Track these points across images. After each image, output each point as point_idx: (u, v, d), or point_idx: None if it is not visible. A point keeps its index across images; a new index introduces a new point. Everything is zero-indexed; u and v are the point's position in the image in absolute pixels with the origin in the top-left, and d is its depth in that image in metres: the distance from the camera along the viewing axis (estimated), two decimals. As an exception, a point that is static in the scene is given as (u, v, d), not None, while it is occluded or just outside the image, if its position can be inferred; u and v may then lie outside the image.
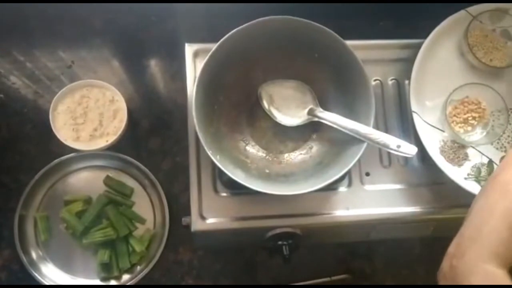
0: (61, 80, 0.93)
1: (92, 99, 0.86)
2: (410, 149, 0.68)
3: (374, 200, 0.78)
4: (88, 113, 0.86)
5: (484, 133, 0.78)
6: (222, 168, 0.67)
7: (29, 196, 0.85)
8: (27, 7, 0.94)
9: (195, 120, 0.68)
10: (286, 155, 0.78)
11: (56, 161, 0.86)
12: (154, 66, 0.95)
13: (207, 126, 0.72)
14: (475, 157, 0.79)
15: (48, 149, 0.88)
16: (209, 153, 0.68)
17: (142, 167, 0.86)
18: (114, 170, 0.88)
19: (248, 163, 0.76)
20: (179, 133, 0.89)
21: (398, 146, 0.69)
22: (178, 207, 0.87)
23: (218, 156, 0.69)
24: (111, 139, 0.84)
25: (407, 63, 0.82)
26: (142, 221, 0.87)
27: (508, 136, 0.80)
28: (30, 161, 0.88)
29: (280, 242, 0.76)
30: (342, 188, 0.79)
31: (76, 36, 0.95)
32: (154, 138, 0.91)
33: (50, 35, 0.95)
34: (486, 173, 0.77)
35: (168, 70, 0.94)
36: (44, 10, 0.95)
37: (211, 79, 0.72)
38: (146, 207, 0.87)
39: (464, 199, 0.76)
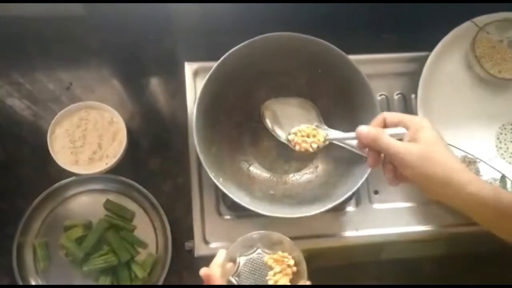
0: (59, 102, 0.91)
1: (91, 121, 0.84)
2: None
3: (384, 219, 0.76)
4: (87, 136, 0.83)
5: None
6: (225, 191, 0.65)
7: (27, 222, 0.83)
8: (22, 28, 0.93)
9: (196, 141, 0.66)
10: (291, 175, 0.76)
11: (55, 185, 0.84)
12: (153, 85, 0.93)
13: (208, 147, 0.70)
14: (487, 172, 0.77)
15: (47, 173, 0.86)
16: (212, 175, 0.66)
17: (143, 189, 0.84)
18: (114, 193, 0.85)
19: (252, 185, 0.74)
20: (180, 154, 0.86)
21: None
22: (181, 230, 0.84)
23: (221, 179, 0.67)
24: (110, 161, 0.82)
25: (413, 77, 0.80)
26: (144, 245, 0.84)
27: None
28: (28, 186, 0.86)
29: (287, 266, 0.74)
30: (350, 208, 0.76)
31: (73, 57, 0.93)
32: (154, 159, 0.88)
33: (47, 57, 0.94)
34: (499, 188, 0.75)
35: (168, 89, 0.92)
36: (40, 31, 0.93)
37: (212, 99, 0.70)
38: (147, 231, 0.85)
39: (477, 217, 0.74)
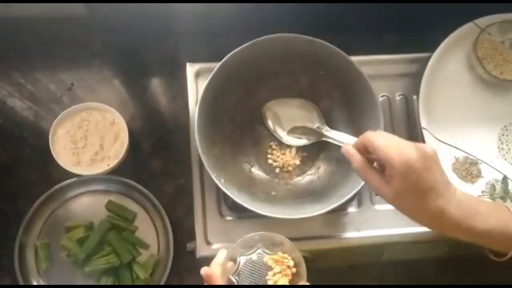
0: (61, 103, 0.91)
1: (92, 122, 0.84)
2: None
3: (386, 220, 0.76)
4: (89, 137, 0.83)
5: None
6: (227, 192, 0.65)
7: (29, 223, 0.83)
8: (24, 28, 0.93)
9: (197, 142, 0.66)
10: (293, 176, 0.76)
11: (56, 186, 0.84)
12: (154, 86, 0.93)
13: (210, 149, 0.70)
14: (488, 174, 0.77)
15: (48, 174, 0.86)
16: (213, 176, 0.66)
17: (145, 190, 0.84)
18: (116, 194, 0.85)
19: (253, 186, 0.73)
20: (182, 155, 0.86)
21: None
22: (182, 231, 0.84)
23: (222, 180, 0.67)
24: (112, 162, 0.82)
25: (415, 78, 0.80)
26: (146, 246, 0.84)
27: (523, 151, 0.78)
28: (29, 187, 0.86)
29: (288, 267, 0.74)
30: (352, 209, 0.76)
31: (75, 58, 0.93)
32: (156, 160, 0.88)
33: (49, 57, 0.94)
34: (501, 189, 0.75)
35: (169, 90, 0.92)
36: (42, 32, 0.93)
37: (214, 100, 0.70)
38: (149, 232, 0.85)
39: (479, 218, 0.74)
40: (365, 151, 0.56)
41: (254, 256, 0.62)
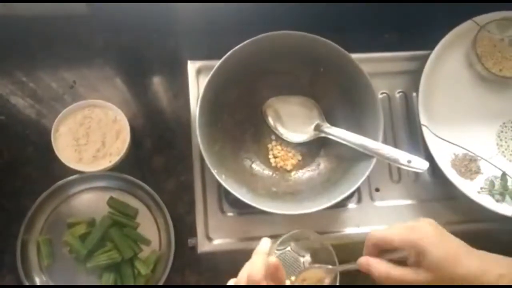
0: (63, 101, 0.91)
1: (95, 120, 0.85)
2: (421, 164, 0.67)
3: (385, 217, 0.76)
4: (91, 134, 0.84)
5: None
6: (228, 188, 0.66)
7: (31, 220, 0.83)
8: (26, 27, 0.93)
9: (199, 139, 0.67)
10: (293, 172, 0.76)
11: (58, 183, 0.84)
12: (156, 84, 0.93)
13: (211, 145, 0.70)
14: (487, 170, 0.77)
15: (50, 172, 0.87)
16: (214, 172, 0.66)
17: (147, 187, 0.84)
18: (117, 191, 0.86)
19: (254, 182, 0.74)
20: (183, 152, 0.87)
21: (409, 161, 0.67)
22: (184, 228, 0.85)
23: (223, 176, 0.68)
24: (114, 159, 0.83)
25: (415, 75, 0.80)
26: (147, 242, 0.85)
27: (521, 147, 0.78)
28: (32, 184, 0.86)
29: (289, 262, 0.74)
30: (352, 205, 0.77)
31: (77, 56, 0.94)
32: (157, 157, 0.89)
33: (51, 56, 0.94)
34: (500, 186, 0.75)
35: (171, 88, 0.93)
36: (44, 31, 0.93)
37: (215, 97, 0.71)
38: (151, 228, 0.85)
39: (477, 214, 0.75)
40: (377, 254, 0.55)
41: (287, 253, 0.61)
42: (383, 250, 0.55)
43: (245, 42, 0.70)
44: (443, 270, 0.50)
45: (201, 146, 0.66)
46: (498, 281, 0.50)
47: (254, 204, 0.65)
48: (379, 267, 0.54)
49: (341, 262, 0.80)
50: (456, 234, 0.75)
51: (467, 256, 0.52)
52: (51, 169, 0.87)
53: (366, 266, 0.55)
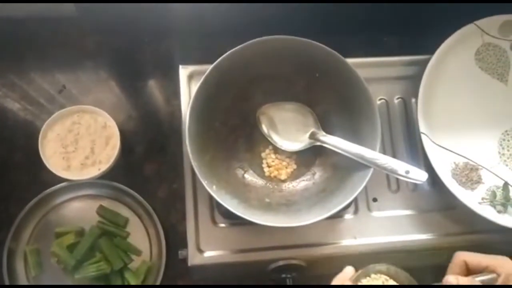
0: (52, 105, 0.89)
1: (83, 126, 0.82)
2: (420, 175, 0.64)
3: (383, 228, 0.74)
4: (79, 141, 0.82)
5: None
6: (219, 200, 0.63)
7: (18, 229, 0.81)
8: (15, 29, 0.91)
9: (188, 149, 0.64)
10: (287, 182, 0.74)
11: (47, 191, 0.82)
12: (148, 88, 0.91)
13: (202, 155, 0.68)
14: (489, 180, 0.75)
15: (39, 179, 0.84)
16: (205, 183, 0.64)
17: (137, 195, 0.82)
18: (107, 199, 0.84)
19: (247, 192, 0.71)
20: (176, 158, 0.84)
21: (407, 172, 0.65)
22: (175, 237, 0.83)
23: (214, 186, 0.65)
24: (103, 167, 0.80)
25: (414, 80, 0.78)
26: (138, 252, 0.82)
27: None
28: (19, 192, 0.84)
29: (283, 275, 0.72)
30: (348, 216, 0.74)
31: (67, 59, 0.92)
32: (149, 164, 0.87)
33: (42, 59, 0.92)
34: (502, 196, 0.73)
35: (163, 92, 0.90)
36: (33, 33, 0.92)
37: (206, 104, 0.68)
38: (141, 237, 0.83)
39: (478, 225, 0.73)
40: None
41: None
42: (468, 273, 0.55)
43: (237, 47, 0.68)
44: None
45: (190, 156, 0.64)
46: None
47: (246, 217, 0.63)
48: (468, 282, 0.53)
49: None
50: (456, 245, 0.74)
51: None
52: (39, 176, 0.85)
53: (452, 283, 0.54)
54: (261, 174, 0.74)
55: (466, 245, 0.73)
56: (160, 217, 0.82)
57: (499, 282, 0.52)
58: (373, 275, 0.59)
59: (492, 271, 0.54)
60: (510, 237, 0.73)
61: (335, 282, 0.57)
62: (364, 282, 0.59)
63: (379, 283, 0.58)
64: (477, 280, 0.54)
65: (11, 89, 0.90)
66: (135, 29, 0.91)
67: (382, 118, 0.72)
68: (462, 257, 0.56)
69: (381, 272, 0.60)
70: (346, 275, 0.58)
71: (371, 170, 0.66)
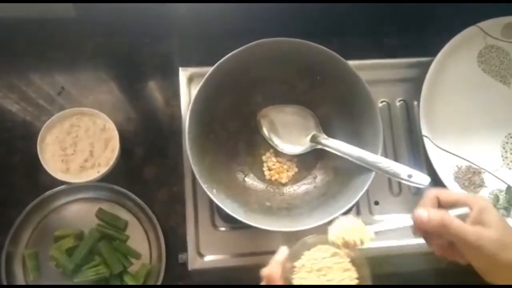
0: (51, 107, 0.88)
1: (82, 128, 0.81)
2: (422, 179, 0.64)
3: (385, 231, 0.73)
4: (78, 143, 0.81)
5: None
6: (219, 204, 0.63)
7: (17, 232, 0.80)
8: (14, 30, 0.90)
9: (189, 153, 0.64)
10: (288, 186, 0.73)
11: (45, 194, 0.81)
12: (148, 90, 0.90)
13: (202, 158, 0.67)
14: (492, 183, 0.74)
15: (38, 182, 0.84)
16: (205, 187, 0.63)
17: (137, 198, 0.81)
18: (106, 202, 0.83)
19: (247, 196, 0.71)
20: (176, 161, 0.84)
21: (410, 176, 0.64)
22: (175, 240, 0.82)
23: (214, 190, 0.65)
24: (102, 170, 0.80)
25: (416, 83, 0.77)
26: (138, 256, 0.82)
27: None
28: (18, 195, 0.83)
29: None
30: (350, 219, 0.74)
31: (66, 61, 0.91)
32: (149, 167, 0.86)
33: (40, 60, 0.91)
34: (505, 200, 0.72)
35: (163, 94, 0.90)
36: (32, 34, 0.91)
37: (206, 107, 0.68)
38: (141, 241, 0.82)
39: (481, 229, 0.71)
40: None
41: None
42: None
43: (238, 49, 0.67)
44: (508, 233, 0.47)
45: (191, 160, 0.63)
46: None
47: (246, 221, 0.62)
48: (440, 214, 0.50)
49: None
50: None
51: None
52: (38, 179, 0.84)
53: (422, 216, 0.51)
54: (261, 177, 0.74)
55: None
56: (160, 220, 0.81)
57: (472, 216, 0.49)
58: (313, 249, 0.57)
59: (464, 206, 0.51)
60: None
61: (272, 263, 0.54)
62: (309, 256, 0.57)
63: (328, 254, 0.57)
64: (450, 213, 0.51)
65: (10, 91, 0.90)
66: (135, 31, 0.90)
67: (384, 121, 0.72)
68: (434, 192, 0.53)
69: (320, 243, 0.58)
70: (282, 255, 0.55)
71: (373, 173, 0.65)
